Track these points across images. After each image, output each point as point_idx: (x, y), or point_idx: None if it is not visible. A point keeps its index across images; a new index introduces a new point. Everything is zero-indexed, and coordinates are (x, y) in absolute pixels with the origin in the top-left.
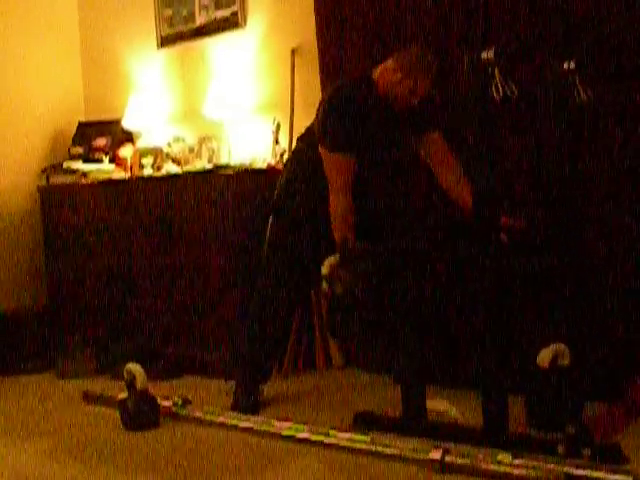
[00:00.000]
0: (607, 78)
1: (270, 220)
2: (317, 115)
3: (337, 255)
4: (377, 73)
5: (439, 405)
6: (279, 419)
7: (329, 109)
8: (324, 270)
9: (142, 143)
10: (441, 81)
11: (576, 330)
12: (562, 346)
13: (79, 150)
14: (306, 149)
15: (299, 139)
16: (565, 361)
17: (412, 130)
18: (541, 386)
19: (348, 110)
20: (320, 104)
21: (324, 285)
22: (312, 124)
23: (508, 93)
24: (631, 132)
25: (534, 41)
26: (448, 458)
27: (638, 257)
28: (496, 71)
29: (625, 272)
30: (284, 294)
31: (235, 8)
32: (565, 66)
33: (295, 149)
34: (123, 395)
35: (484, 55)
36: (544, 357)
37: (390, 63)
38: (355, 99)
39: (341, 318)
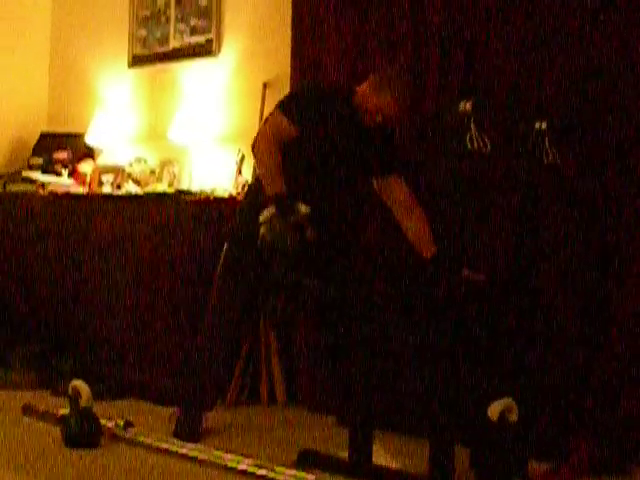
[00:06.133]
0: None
1: (224, 248)
2: None
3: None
4: (359, 86)
5: (382, 458)
6: (221, 449)
7: (303, 88)
8: (261, 218)
9: (103, 160)
10: (413, 108)
11: (525, 387)
12: (510, 401)
13: (39, 161)
14: None
15: None
16: (513, 416)
17: (373, 171)
18: (487, 439)
19: (318, 99)
20: None
21: (262, 230)
22: None
23: (482, 146)
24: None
25: (511, 98)
26: None
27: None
28: (472, 123)
29: (577, 333)
30: (233, 323)
31: (210, 36)
32: (537, 126)
33: (256, 180)
34: (65, 411)
35: (462, 106)
36: (494, 410)
37: (370, 76)
38: (329, 96)
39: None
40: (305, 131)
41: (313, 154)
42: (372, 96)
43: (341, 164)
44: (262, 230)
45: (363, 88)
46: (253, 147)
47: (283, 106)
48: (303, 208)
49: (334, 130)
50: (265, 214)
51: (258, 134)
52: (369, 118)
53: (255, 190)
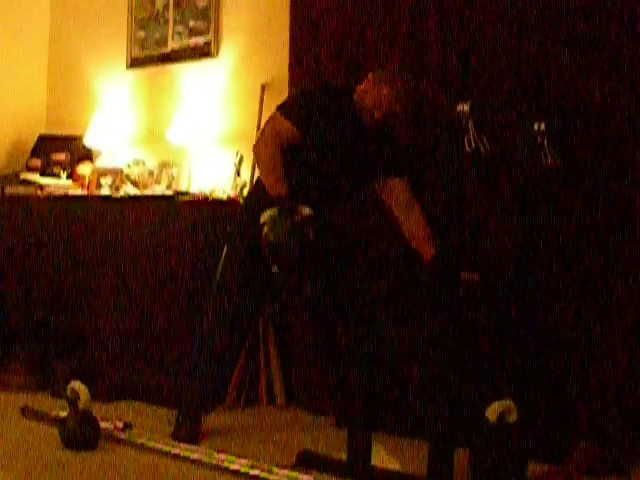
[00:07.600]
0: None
1: (224, 250)
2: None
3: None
4: (360, 85)
5: (382, 457)
6: (220, 451)
7: (304, 91)
8: (263, 218)
9: (101, 162)
10: (415, 108)
11: (523, 388)
12: (509, 402)
13: (37, 163)
14: None
15: None
16: (512, 417)
17: (375, 172)
18: (486, 440)
19: (320, 102)
20: None
21: (265, 230)
22: None
23: (480, 147)
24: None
25: (509, 99)
26: None
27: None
28: (470, 124)
29: (576, 333)
30: (233, 325)
31: (209, 37)
32: (535, 127)
33: (257, 181)
34: (64, 413)
35: (460, 107)
36: (493, 411)
37: (369, 74)
38: (331, 99)
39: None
40: (307, 135)
41: (315, 158)
42: (370, 92)
43: (343, 167)
44: (265, 230)
45: (362, 86)
46: (254, 149)
47: (285, 109)
48: (305, 210)
49: (336, 134)
50: (267, 214)
51: (259, 136)
52: (369, 116)
53: (256, 193)
